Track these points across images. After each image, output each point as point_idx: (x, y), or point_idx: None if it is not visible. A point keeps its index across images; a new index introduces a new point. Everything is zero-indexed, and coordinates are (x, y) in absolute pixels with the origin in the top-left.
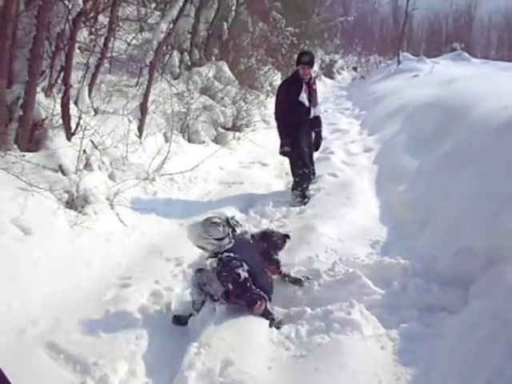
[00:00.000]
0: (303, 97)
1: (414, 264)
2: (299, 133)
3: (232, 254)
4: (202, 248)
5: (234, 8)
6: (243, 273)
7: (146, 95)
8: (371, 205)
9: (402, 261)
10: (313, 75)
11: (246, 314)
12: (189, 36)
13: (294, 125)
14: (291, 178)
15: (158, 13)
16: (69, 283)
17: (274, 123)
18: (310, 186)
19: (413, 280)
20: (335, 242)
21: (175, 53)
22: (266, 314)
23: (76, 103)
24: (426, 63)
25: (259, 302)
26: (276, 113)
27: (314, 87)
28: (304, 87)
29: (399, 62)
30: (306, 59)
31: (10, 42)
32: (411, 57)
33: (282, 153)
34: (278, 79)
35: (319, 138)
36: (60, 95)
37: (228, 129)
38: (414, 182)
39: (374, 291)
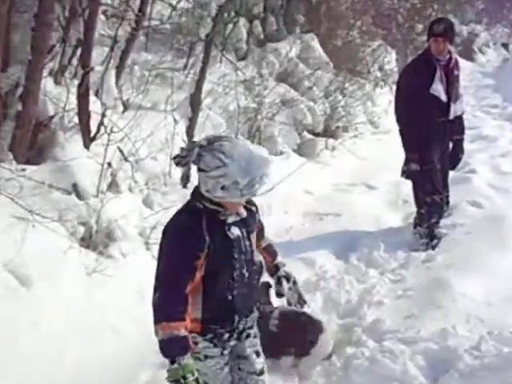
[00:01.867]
0: (438, 88)
1: None
2: (431, 142)
3: None
4: None
5: None
6: None
7: (198, 83)
8: None
9: None
10: (454, 54)
11: None
12: None
13: (424, 130)
14: (413, 209)
15: None
16: (85, 357)
17: (385, 126)
18: (442, 221)
19: None
20: (481, 307)
21: (242, 22)
22: None
23: (98, 94)
24: None
25: None
26: (398, 114)
27: (456, 73)
28: (439, 73)
29: None
30: (440, 28)
31: (6, 4)
32: None
33: (407, 173)
34: (391, 60)
35: (459, 150)
36: (76, 82)
37: (318, 134)
38: None
39: None
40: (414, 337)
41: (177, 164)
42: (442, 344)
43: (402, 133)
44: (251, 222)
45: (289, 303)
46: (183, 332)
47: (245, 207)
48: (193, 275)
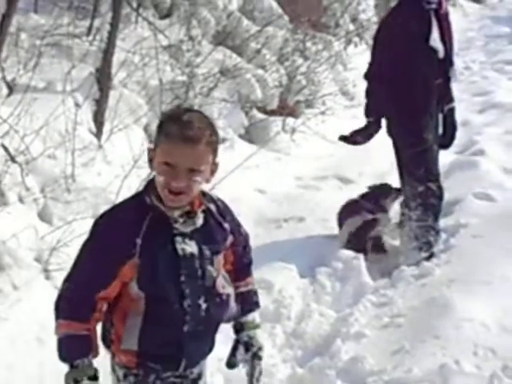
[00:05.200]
0: (435, 39)
1: None
2: (426, 113)
3: None
4: None
5: None
6: None
7: (107, 53)
8: None
9: None
10: None
11: None
12: None
13: (418, 97)
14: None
15: None
16: None
17: (362, 97)
18: (440, 221)
19: None
20: (493, 334)
21: None
22: None
23: None
24: None
25: None
26: (376, 74)
27: (449, 19)
28: (434, 20)
29: None
30: None
31: None
32: None
33: (351, 140)
34: (368, 7)
35: (452, 121)
36: None
37: (272, 112)
38: None
39: None
40: (405, 377)
41: None
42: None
43: (374, 93)
44: (218, 238)
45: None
46: (84, 332)
47: (212, 216)
48: (109, 282)
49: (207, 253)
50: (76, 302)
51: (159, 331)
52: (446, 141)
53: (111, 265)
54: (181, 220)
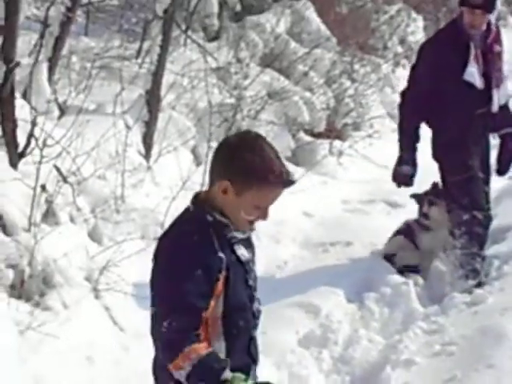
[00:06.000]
0: (472, 71)
1: None
2: (468, 142)
3: None
4: None
5: None
6: None
7: (156, 75)
8: None
9: None
10: (493, 26)
11: None
12: None
13: (458, 127)
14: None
15: None
16: None
17: None
18: (493, 248)
19: None
20: None
21: None
22: None
23: (26, 96)
24: None
25: None
26: (405, 100)
27: (497, 49)
28: (473, 52)
29: None
30: None
31: None
32: None
33: (401, 180)
34: (417, 30)
35: (509, 148)
36: None
37: (319, 135)
38: None
39: None
40: None
41: None
42: None
43: (402, 128)
44: (252, 242)
45: None
46: (207, 351)
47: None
48: (208, 302)
49: (251, 256)
50: (187, 330)
51: (238, 345)
52: (502, 167)
53: (209, 285)
54: (233, 228)
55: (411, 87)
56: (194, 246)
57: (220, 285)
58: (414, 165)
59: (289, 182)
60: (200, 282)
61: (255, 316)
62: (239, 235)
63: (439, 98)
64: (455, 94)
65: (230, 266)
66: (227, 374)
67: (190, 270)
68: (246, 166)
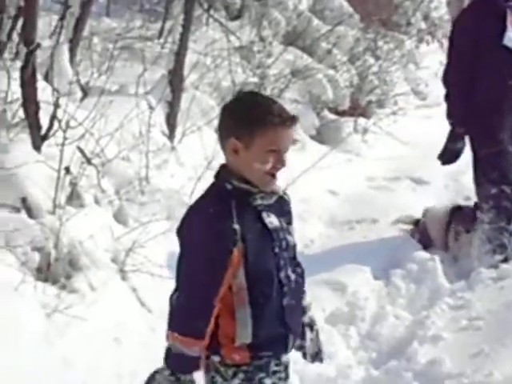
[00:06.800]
0: (511, 37)
1: None
2: (502, 115)
3: None
4: None
5: None
6: None
7: (179, 55)
8: None
9: None
10: None
11: None
12: None
13: (492, 98)
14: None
15: None
16: None
17: (434, 96)
18: None
19: None
20: None
21: None
22: None
23: (48, 78)
24: None
25: None
26: (451, 78)
27: None
28: (510, 19)
29: None
30: None
31: None
32: None
33: (449, 158)
34: (440, 5)
35: None
36: (18, 64)
37: (343, 113)
38: None
39: None
40: (486, 381)
41: None
42: None
43: (452, 100)
44: (288, 210)
45: (304, 356)
46: (196, 352)
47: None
48: (224, 276)
49: (284, 224)
50: (193, 316)
51: (267, 313)
52: None
53: (223, 256)
54: (259, 196)
55: (452, 58)
56: (208, 220)
57: (236, 256)
58: (463, 139)
59: (289, 118)
60: (213, 256)
61: (284, 284)
62: (266, 201)
63: (477, 65)
64: (494, 59)
65: (252, 234)
66: (183, 377)
67: (203, 246)
68: (245, 116)
